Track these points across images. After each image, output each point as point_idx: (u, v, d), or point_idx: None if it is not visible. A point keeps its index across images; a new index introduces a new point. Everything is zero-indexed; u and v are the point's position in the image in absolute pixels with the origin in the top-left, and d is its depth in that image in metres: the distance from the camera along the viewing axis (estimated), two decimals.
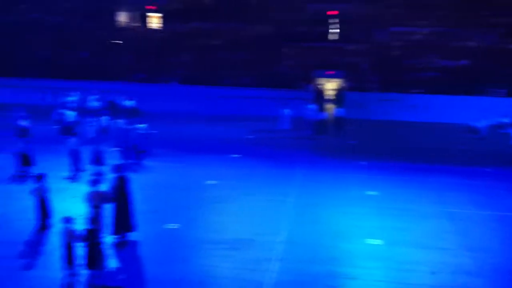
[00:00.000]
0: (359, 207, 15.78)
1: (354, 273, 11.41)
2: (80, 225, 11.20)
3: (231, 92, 34.47)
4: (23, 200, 14.77)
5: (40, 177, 13.57)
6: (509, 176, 20.17)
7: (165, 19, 43.17)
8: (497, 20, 38.02)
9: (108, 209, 12.61)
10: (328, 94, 36.89)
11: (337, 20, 41.92)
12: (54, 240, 12.36)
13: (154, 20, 44.18)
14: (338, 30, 41.78)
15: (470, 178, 19.66)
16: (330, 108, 33.80)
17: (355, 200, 16.54)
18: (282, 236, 13.37)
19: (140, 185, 16.01)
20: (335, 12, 41.21)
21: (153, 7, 43.53)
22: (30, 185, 14.79)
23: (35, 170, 16.53)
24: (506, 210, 16.01)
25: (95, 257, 10.91)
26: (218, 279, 11.12)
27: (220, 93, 34.45)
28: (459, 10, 37.55)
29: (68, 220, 10.81)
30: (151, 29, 43.25)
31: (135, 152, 20.37)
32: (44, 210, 13.42)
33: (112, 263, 11.74)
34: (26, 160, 17.98)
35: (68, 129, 23.77)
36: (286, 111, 28.26)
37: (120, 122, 22.34)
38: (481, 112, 28.55)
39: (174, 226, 13.89)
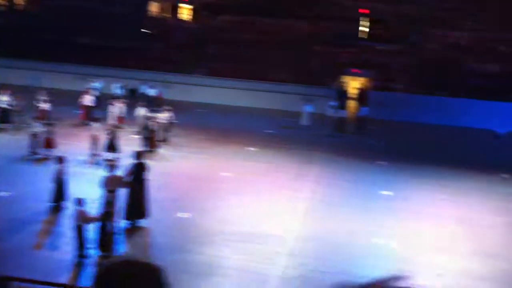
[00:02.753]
0: (373, 207, 15.74)
1: (361, 273, 11.39)
2: (93, 208, 11.46)
3: (257, 86, 34.54)
4: (42, 182, 15.10)
5: (60, 160, 13.90)
6: None
7: (197, 11, 43.46)
8: None
9: (122, 195, 12.85)
10: (352, 92, 36.65)
11: (370, 19, 41.58)
12: (67, 222, 12.66)
13: (186, 12, 44.50)
14: (370, 29, 41.45)
15: (487, 183, 19.39)
16: (353, 107, 33.61)
17: (369, 199, 16.50)
18: (294, 232, 13.43)
19: (157, 173, 16.21)
20: (366, 11, 40.85)
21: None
22: (50, 167, 15.19)
23: (56, 152, 16.89)
24: None
25: (105, 240, 11.16)
26: (226, 270, 11.25)
27: (246, 86, 34.54)
28: (497, 13, 36.86)
29: (80, 202, 11.06)
30: (182, 20, 43.58)
31: (156, 140, 20.64)
32: (60, 192, 13.74)
33: (122, 247, 11.98)
34: (47, 143, 18.39)
35: (89, 115, 24.21)
36: (308, 108, 28.23)
37: (142, 110, 22.62)
38: (507, 118, 28.03)
39: (187, 215, 14.06)
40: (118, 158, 18.14)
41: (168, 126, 22.58)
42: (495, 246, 13.27)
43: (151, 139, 20.37)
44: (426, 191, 17.83)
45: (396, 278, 1.69)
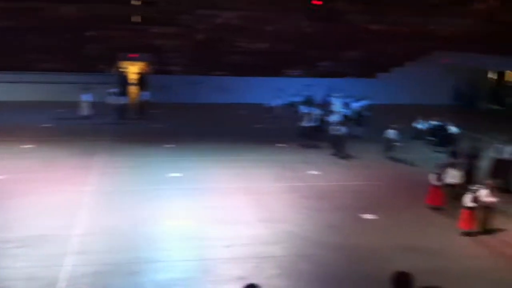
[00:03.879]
0: (162, 190, 15.70)
1: (155, 257, 11.31)
2: None
3: (27, 78, 31.81)
4: None
5: None
6: (299, 150, 21.84)
7: None
8: (298, 4, 40.78)
9: None
10: (131, 78, 36.05)
11: (142, 1, 41.10)
12: None
13: None
14: (143, 12, 41.03)
15: (266, 154, 20.85)
16: (134, 92, 33.11)
17: (158, 183, 16.43)
18: (80, 228, 12.69)
19: None
20: None
21: None
22: None
23: None
24: (274, 181, 17.32)
25: None
26: (10, 281, 10.15)
27: (12, 78, 31.56)
28: None
29: None
30: None
31: None
32: None
33: None
34: None
35: None
36: (87, 97, 26.93)
37: None
38: (277, 92, 30.29)
39: None
40: None
41: None
42: (277, 211, 14.29)
43: None
44: (212, 167, 18.43)
45: None
